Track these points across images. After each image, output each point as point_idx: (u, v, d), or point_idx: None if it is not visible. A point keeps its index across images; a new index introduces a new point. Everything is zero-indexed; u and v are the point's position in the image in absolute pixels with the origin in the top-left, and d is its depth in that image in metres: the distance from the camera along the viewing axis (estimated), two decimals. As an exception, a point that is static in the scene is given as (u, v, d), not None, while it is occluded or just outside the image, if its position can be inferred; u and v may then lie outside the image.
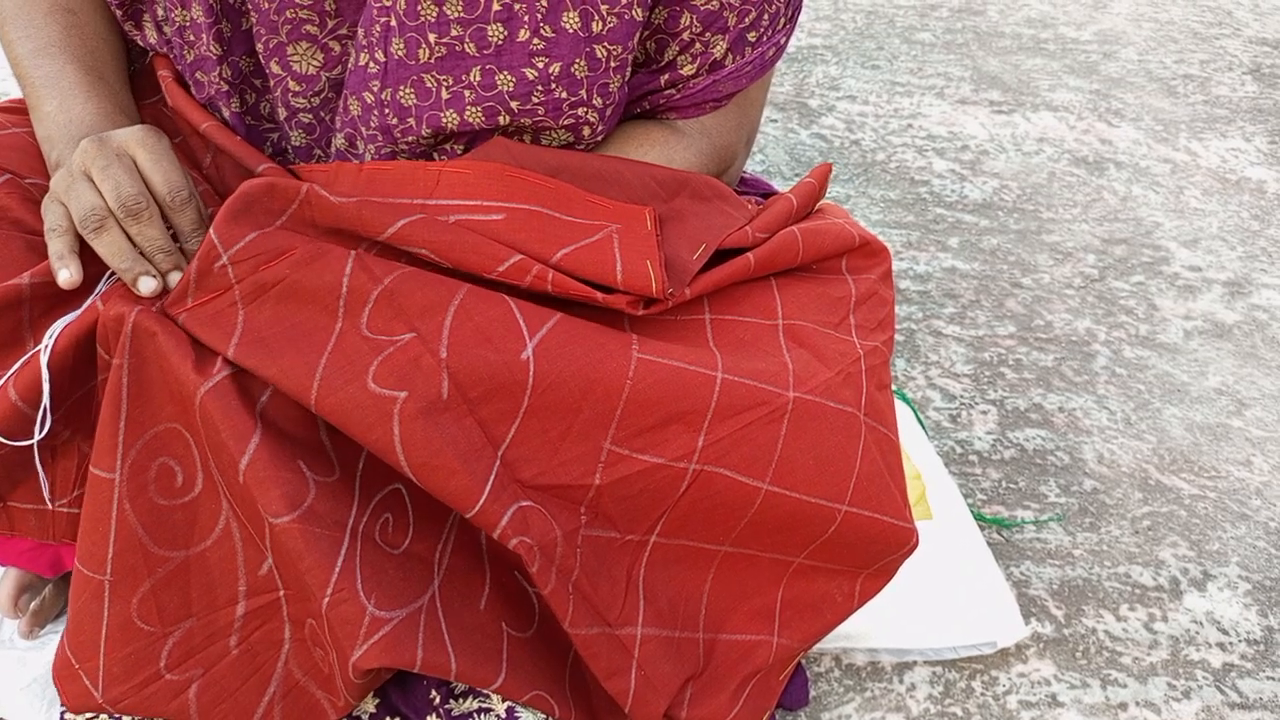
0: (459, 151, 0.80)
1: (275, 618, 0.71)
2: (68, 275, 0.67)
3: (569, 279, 0.71)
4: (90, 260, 0.68)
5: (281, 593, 0.71)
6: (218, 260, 0.66)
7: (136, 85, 0.89)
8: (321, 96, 0.82)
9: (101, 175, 0.67)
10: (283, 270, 0.67)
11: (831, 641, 0.91)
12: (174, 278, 0.68)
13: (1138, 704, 0.93)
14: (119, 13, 0.84)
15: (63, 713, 0.76)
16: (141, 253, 0.68)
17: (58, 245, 0.68)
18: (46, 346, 0.66)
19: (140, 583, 0.68)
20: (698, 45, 0.82)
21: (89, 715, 0.75)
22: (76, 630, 0.69)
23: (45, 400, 0.66)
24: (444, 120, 0.76)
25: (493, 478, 0.68)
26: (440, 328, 0.69)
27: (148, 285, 0.67)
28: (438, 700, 0.77)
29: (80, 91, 0.78)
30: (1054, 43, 2.53)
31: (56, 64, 0.80)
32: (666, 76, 0.83)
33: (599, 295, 0.72)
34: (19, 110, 0.85)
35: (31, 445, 0.68)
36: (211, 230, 0.66)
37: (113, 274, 0.70)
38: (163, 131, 0.73)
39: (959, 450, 1.20)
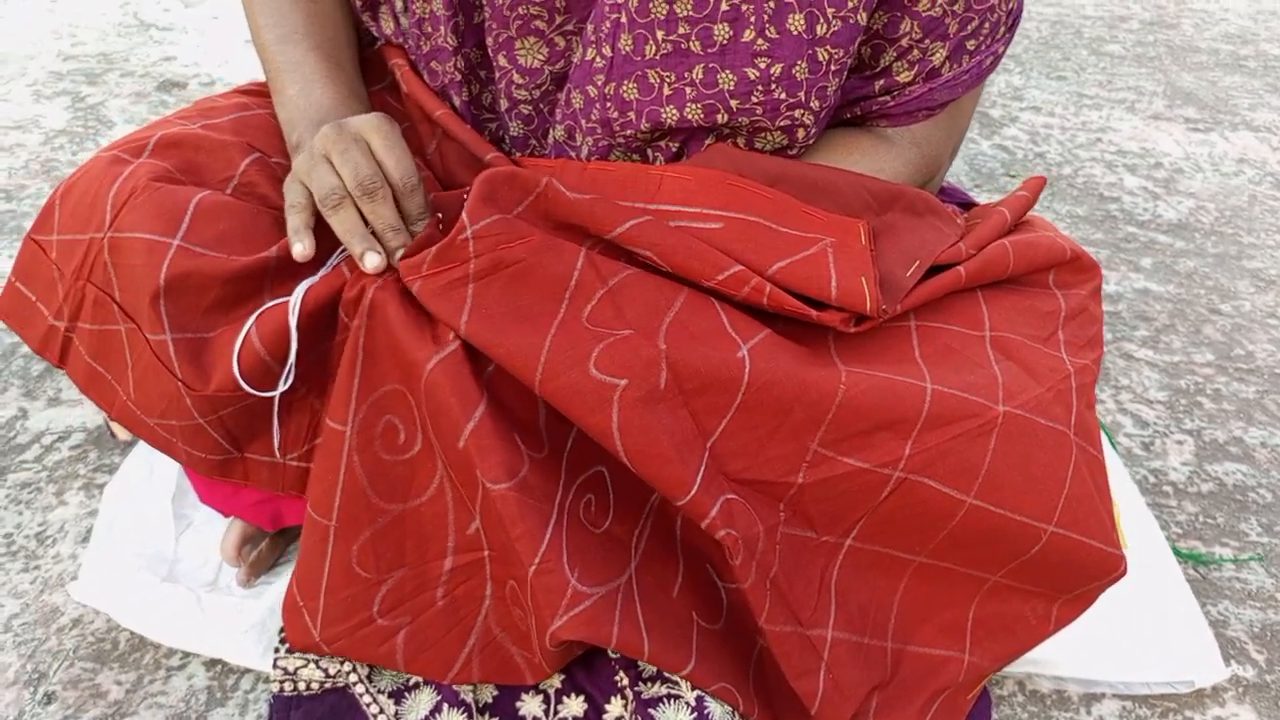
0: (673, 149, 0.81)
1: (479, 575, 0.74)
2: (302, 249, 0.71)
3: (785, 294, 0.72)
4: (321, 239, 0.73)
5: (486, 552, 0.73)
6: (462, 233, 0.69)
7: (363, 72, 0.94)
8: (543, 89, 0.84)
9: (341, 159, 0.72)
10: (520, 253, 0.70)
11: (1017, 665, 0.88)
12: (400, 256, 0.72)
13: (1348, 763, 0.87)
14: (358, 3, 0.88)
15: (276, 659, 0.81)
16: (373, 231, 0.72)
17: (295, 221, 0.72)
18: (295, 305, 0.70)
19: (361, 530, 0.72)
20: (915, 52, 0.81)
21: (300, 657, 0.80)
22: (304, 571, 0.73)
23: (292, 356, 0.70)
24: (663, 116, 0.78)
25: (703, 469, 0.69)
26: (658, 330, 0.70)
27: (373, 261, 0.70)
28: (625, 683, 0.79)
29: (320, 78, 0.83)
30: (1255, 59, 2.39)
31: (299, 51, 0.85)
32: (881, 83, 0.82)
33: (814, 313, 0.73)
34: (260, 92, 0.90)
35: (273, 398, 0.72)
36: (465, 210, 0.69)
37: (343, 249, 0.74)
38: (394, 119, 0.77)
39: (1152, 480, 1.15)
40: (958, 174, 1.78)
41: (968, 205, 0.99)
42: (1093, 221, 1.66)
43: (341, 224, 0.71)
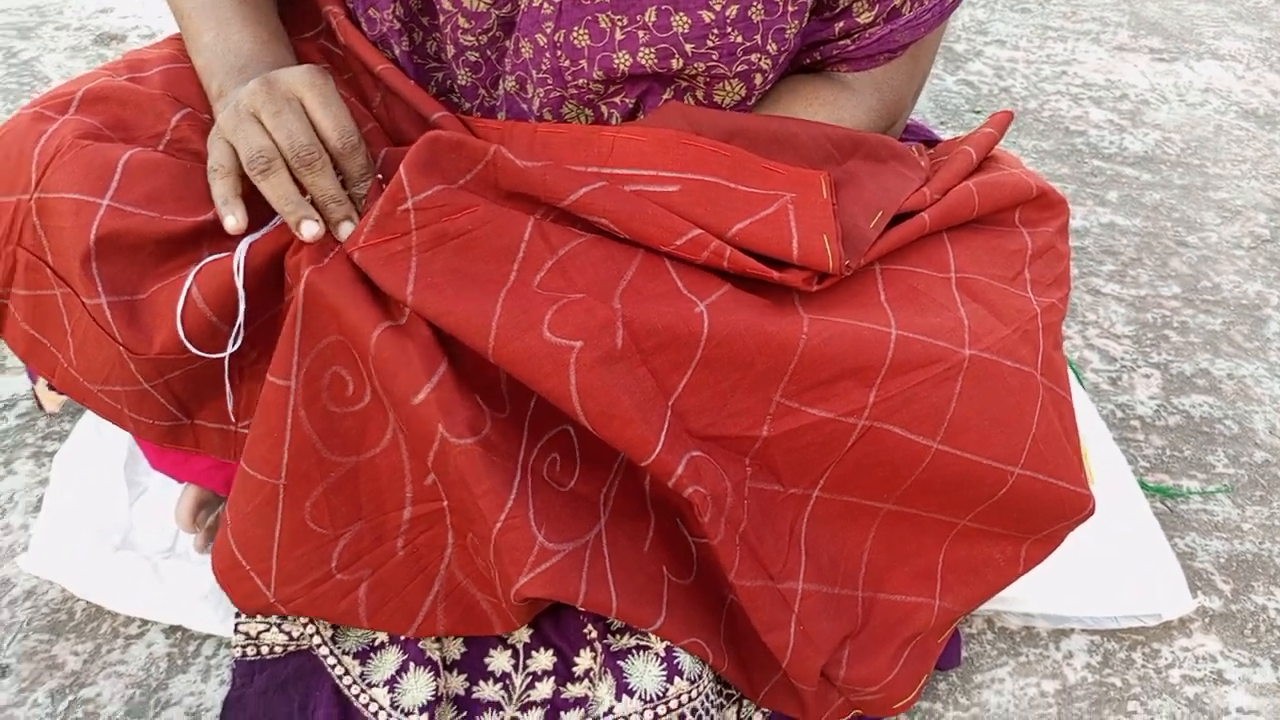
0: (629, 105, 0.78)
1: (439, 524, 0.73)
2: (234, 221, 0.67)
3: (745, 257, 0.70)
4: (256, 202, 0.69)
5: (445, 503, 0.72)
6: (402, 203, 0.66)
7: (291, 18, 0.89)
8: (490, 35, 0.81)
9: (274, 121, 0.67)
10: (464, 224, 0.67)
11: (986, 604, 0.88)
12: (344, 228, 0.68)
13: (1312, 689, 0.89)
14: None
15: (237, 623, 0.79)
16: (313, 202, 0.68)
17: (221, 188, 0.68)
18: (239, 262, 0.67)
19: (314, 486, 0.70)
20: None
21: (262, 621, 0.78)
22: (244, 533, 0.71)
23: (241, 315, 0.68)
24: (616, 62, 0.74)
25: (665, 427, 0.67)
26: (612, 295, 0.69)
27: (311, 230, 0.67)
28: (594, 635, 0.78)
29: (237, 20, 0.78)
30: (1221, -14, 2.37)
31: None
32: (841, 25, 0.79)
33: (775, 274, 0.71)
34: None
35: (222, 361, 0.70)
36: (401, 170, 0.66)
37: None
38: (329, 71, 0.73)
39: (1120, 415, 1.15)
40: (922, 111, 1.76)
41: (932, 142, 0.97)
42: (1059, 156, 1.65)
43: (272, 190, 0.67)
